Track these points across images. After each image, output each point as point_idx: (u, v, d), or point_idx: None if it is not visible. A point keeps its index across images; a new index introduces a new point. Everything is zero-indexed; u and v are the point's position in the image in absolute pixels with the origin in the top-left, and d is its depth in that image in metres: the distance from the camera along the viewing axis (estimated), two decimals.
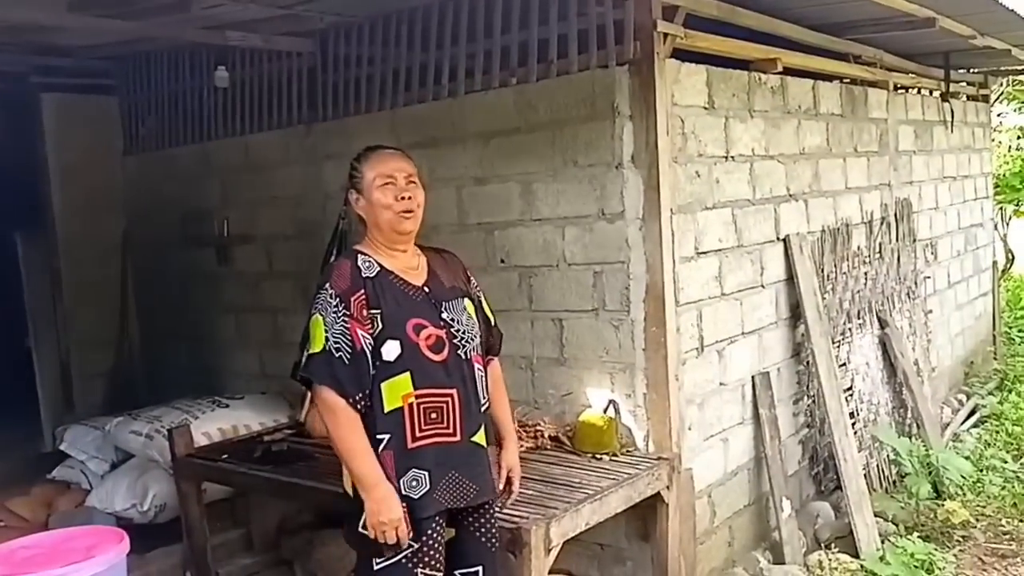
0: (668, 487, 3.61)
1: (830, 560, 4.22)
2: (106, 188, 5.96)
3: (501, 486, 2.81)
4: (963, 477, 4.99)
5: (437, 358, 2.59)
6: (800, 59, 4.75)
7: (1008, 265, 9.93)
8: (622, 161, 3.73)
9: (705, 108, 4.04)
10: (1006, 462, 5.55)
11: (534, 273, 4.08)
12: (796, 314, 4.73)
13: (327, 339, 2.52)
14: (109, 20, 4.17)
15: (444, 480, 2.58)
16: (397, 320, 2.57)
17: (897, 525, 4.62)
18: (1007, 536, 4.60)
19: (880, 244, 5.67)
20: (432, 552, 2.57)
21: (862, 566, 4.18)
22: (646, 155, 3.69)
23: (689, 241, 3.92)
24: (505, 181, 4.12)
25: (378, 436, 2.54)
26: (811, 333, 4.64)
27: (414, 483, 2.54)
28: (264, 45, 4.69)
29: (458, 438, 2.60)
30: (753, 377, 4.39)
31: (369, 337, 2.54)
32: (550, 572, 3.07)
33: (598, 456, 3.70)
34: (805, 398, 4.83)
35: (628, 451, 3.75)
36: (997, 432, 6.25)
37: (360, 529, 2.54)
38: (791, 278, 4.68)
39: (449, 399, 2.59)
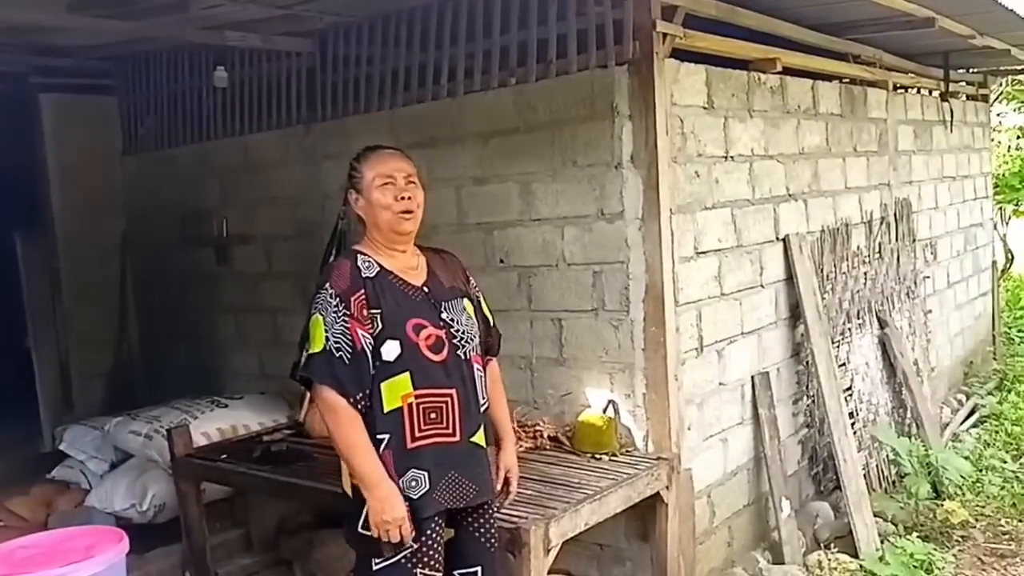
0: (667, 487, 3.61)
1: (829, 560, 4.22)
2: (105, 188, 5.96)
3: (499, 486, 2.81)
4: (962, 477, 4.99)
5: (437, 358, 2.59)
6: (799, 59, 4.75)
7: (1007, 265, 9.91)
8: (621, 161, 3.73)
9: (704, 108, 4.04)
10: (1005, 462, 5.55)
11: (533, 273, 4.07)
12: (796, 314, 4.73)
13: (327, 339, 2.52)
14: (108, 20, 4.17)
15: (443, 480, 2.58)
16: (397, 320, 2.57)
17: (896, 525, 4.62)
18: (1006, 536, 4.60)
19: (880, 244, 5.66)
20: (431, 552, 2.57)
21: (861, 566, 4.17)
22: (645, 155, 3.68)
23: (688, 241, 3.91)
24: (504, 181, 4.11)
25: (378, 436, 2.54)
26: (810, 333, 4.64)
27: (413, 483, 2.54)
28: (263, 45, 4.69)
29: (457, 438, 2.60)
30: (752, 377, 4.39)
31: (369, 337, 2.54)
32: (549, 572, 3.06)
33: (597, 456, 3.70)
34: (804, 398, 4.83)
35: (627, 451, 3.75)
36: (996, 432, 6.25)
37: (360, 529, 2.54)
38: (790, 278, 4.68)
39: (448, 399, 2.59)
